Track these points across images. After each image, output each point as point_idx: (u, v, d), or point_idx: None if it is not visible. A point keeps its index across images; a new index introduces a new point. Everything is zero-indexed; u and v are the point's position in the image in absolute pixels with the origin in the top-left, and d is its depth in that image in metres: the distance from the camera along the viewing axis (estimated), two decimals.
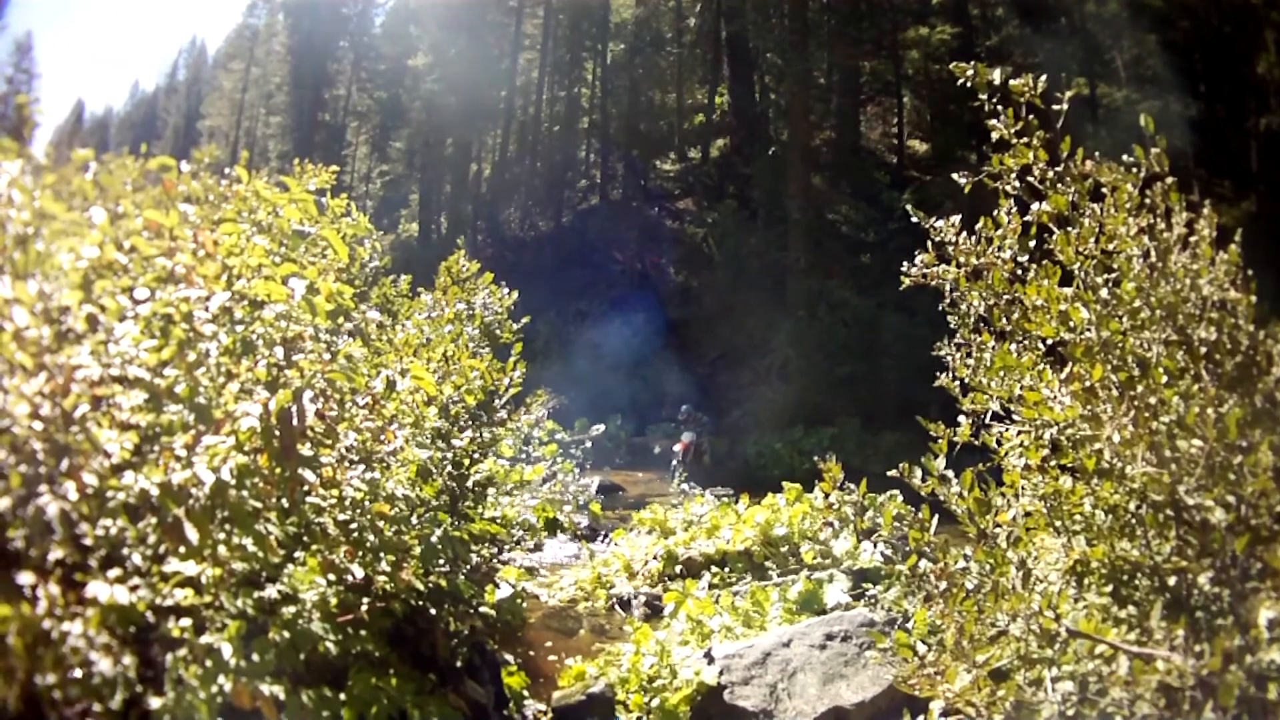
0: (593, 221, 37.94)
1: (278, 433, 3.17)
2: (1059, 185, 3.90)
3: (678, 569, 9.28)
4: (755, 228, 30.64)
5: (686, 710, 5.78)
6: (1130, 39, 27.99)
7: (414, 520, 4.81)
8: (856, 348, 24.17)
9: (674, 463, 18.66)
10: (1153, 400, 3.50)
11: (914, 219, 4.49)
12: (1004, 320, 4.10)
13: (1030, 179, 4.00)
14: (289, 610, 3.62)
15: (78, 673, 2.62)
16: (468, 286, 9.32)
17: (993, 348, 4.19)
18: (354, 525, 3.97)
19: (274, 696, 3.03)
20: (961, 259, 4.28)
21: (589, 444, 18.56)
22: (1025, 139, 3.97)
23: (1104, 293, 3.73)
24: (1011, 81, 3.94)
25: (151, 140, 60.81)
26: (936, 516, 3.99)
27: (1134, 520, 3.65)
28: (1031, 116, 3.97)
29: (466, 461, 6.32)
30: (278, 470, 3.27)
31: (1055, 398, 3.81)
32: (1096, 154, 3.91)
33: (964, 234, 4.30)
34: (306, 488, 3.49)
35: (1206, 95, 26.57)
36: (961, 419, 4.38)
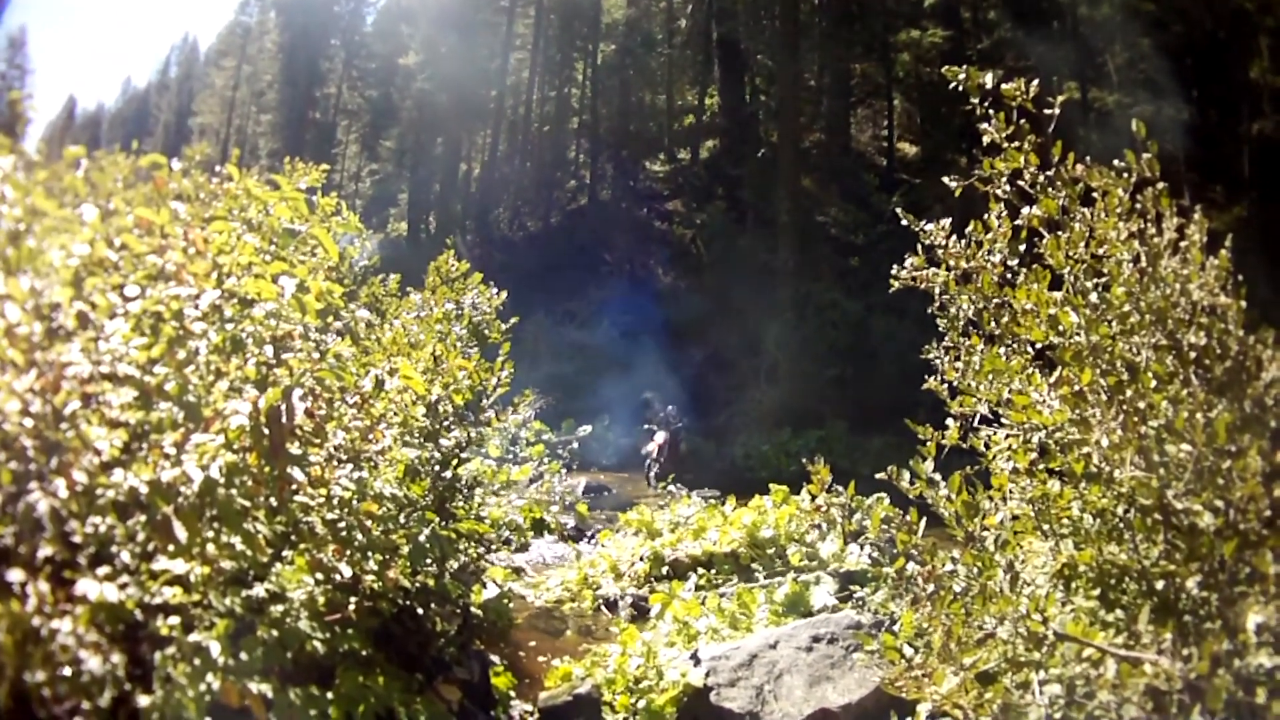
0: (582, 222, 37.88)
1: (267, 431, 3.17)
2: (1050, 189, 3.91)
3: (664, 570, 9.25)
4: (744, 229, 30.62)
5: (673, 711, 5.77)
6: (1123, 43, 28.00)
7: (402, 519, 4.81)
8: (845, 350, 24.16)
9: (649, 463, 18.29)
10: (1142, 405, 3.51)
11: (903, 222, 4.49)
12: (993, 324, 4.10)
13: (1021, 183, 4.01)
14: (277, 609, 3.62)
15: (66, 670, 2.62)
16: (456, 286, 9.31)
17: (982, 351, 4.19)
18: (342, 524, 3.97)
19: (262, 695, 3.03)
20: (951, 262, 4.28)
21: (576, 444, 18.43)
22: (1016, 143, 3.98)
23: (1094, 297, 3.74)
24: (1003, 86, 3.95)
25: (143, 137, 60.44)
26: (924, 519, 3.98)
27: (1122, 524, 3.67)
28: (1023, 121, 3.98)
29: (454, 461, 6.31)
30: (266, 469, 3.27)
31: (1044, 401, 3.81)
32: (1088, 157, 3.91)
33: (954, 237, 4.31)
34: (295, 486, 3.48)
35: (1199, 100, 26.52)
36: (950, 422, 4.38)
